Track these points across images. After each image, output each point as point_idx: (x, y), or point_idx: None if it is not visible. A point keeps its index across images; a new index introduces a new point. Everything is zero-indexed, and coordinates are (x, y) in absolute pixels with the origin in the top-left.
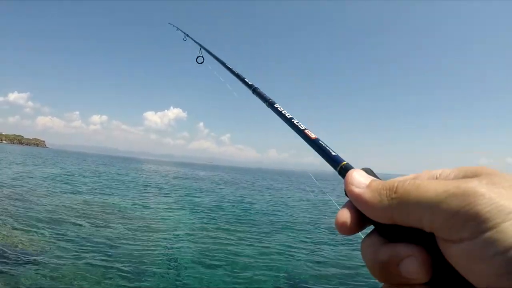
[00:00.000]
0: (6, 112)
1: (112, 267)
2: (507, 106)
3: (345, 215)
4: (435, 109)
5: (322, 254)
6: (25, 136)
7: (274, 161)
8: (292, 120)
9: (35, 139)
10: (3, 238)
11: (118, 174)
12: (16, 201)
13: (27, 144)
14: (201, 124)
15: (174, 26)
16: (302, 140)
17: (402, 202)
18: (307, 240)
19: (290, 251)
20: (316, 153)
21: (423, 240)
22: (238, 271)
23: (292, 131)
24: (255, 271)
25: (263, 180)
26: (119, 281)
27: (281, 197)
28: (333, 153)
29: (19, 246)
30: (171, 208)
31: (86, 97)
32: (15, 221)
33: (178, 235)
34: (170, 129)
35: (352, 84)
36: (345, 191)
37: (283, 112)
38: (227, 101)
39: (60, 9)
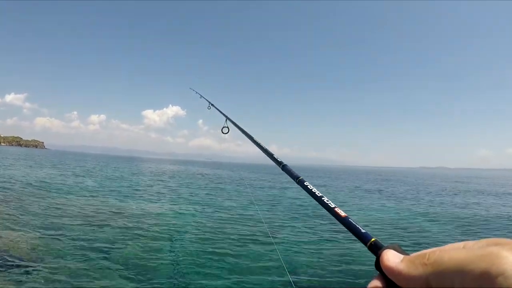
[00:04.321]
0: (3, 114)
1: (111, 268)
2: (506, 97)
3: (375, 285)
4: (433, 101)
5: (325, 251)
6: (24, 138)
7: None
8: (322, 199)
9: (34, 140)
10: (2, 241)
11: (118, 174)
12: (13, 203)
13: (25, 146)
14: (200, 121)
15: (197, 92)
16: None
17: (436, 267)
18: (312, 236)
19: (293, 248)
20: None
21: None
22: (242, 271)
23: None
24: (260, 270)
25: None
26: (119, 282)
27: (281, 194)
28: (362, 231)
29: (18, 249)
30: (169, 207)
31: (84, 97)
32: (13, 224)
33: (178, 235)
34: (170, 127)
35: (349, 77)
36: (375, 266)
37: (313, 190)
38: (224, 97)
39: (55, 8)
